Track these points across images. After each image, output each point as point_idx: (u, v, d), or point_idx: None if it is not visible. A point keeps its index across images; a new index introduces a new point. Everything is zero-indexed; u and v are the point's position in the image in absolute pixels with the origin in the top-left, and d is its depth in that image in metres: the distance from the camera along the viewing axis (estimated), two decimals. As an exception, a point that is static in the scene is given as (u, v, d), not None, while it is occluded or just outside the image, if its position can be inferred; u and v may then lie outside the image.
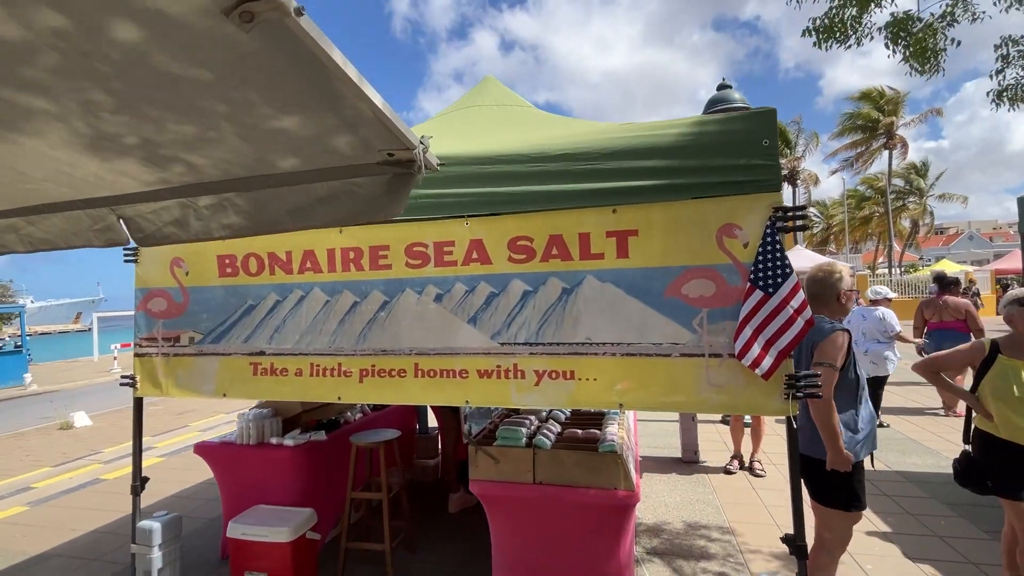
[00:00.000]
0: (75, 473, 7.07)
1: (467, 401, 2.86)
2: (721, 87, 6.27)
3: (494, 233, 2.87)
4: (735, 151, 2.51)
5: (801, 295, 2.40)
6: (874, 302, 6.80)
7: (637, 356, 2.64)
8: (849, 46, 5.07)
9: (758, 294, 2.42)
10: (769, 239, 2.43)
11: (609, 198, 2.67)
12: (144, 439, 9.09)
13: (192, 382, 3.36)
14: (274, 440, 4.12)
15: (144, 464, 7.77)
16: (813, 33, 5.10)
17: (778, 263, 2.41)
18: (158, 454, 7.75)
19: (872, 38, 5.04)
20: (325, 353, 3.13)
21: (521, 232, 2.83)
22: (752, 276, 2.44)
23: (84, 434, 9.28)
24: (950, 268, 24.76)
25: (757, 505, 4.96)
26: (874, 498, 4.97)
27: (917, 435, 6.95)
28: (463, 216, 2.91)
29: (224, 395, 3.28)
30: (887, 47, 5.11)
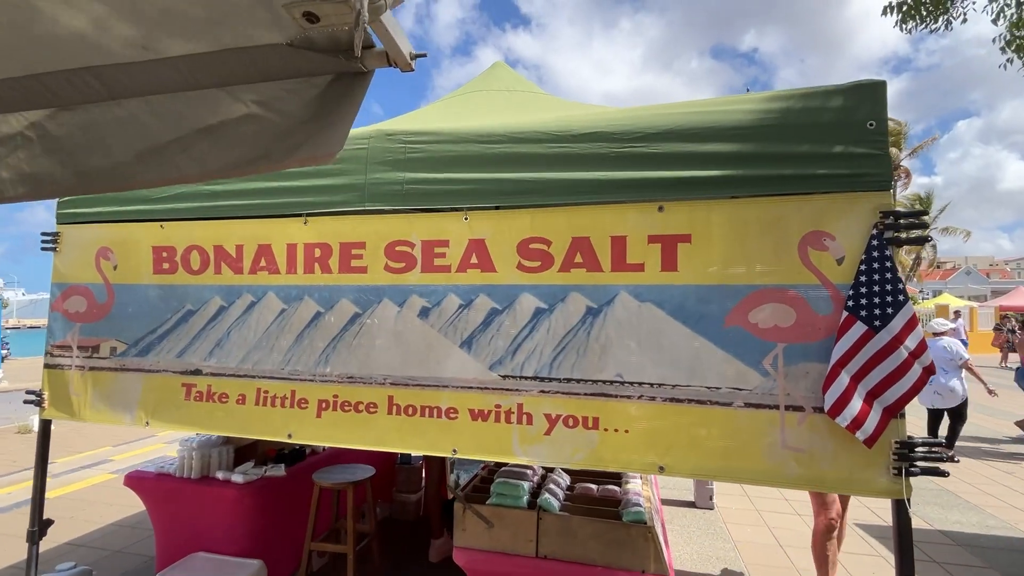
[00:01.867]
0: (13, 489, 6.27)
1: (454, 450, 2.17)
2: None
3: (501, 232, 2.22)
4: (828, 135, 1.87)
5: (919, 332, 1.75)
6: (937, 334, 6.81)
7: (685, 403, 1.97)
8: (936, 28, 4.44)
9: (859, 328, 1.77)
10: (876, 254, 1.79)
11: (654, 191, 2.02)
12: (100, 451, 8.29)
13: (110, 404, 2.66)
14: (220, 474, 3.41)
15: (93, 481, 6.98)
16: (895, 10, 4.42)
17: (888, 287, 1.76)
18: (113, 469, 6.94)
19: (965, 19, 4.42)
20: (276, 376, 2.44)
21: (536, 232, 2.18)
22: (850, 303, 1.79)
23: (35, 442, 8.45)
24: (952, 303, 24.33)
25: (789, 571, 4.25)
26: (924, 566, 4.28)
27: (953, 485, 6.28)
28: (461, 209, 2.26)
29: (147, 423, 2.57)
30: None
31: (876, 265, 1.77)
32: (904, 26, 4.50)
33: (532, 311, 2.16)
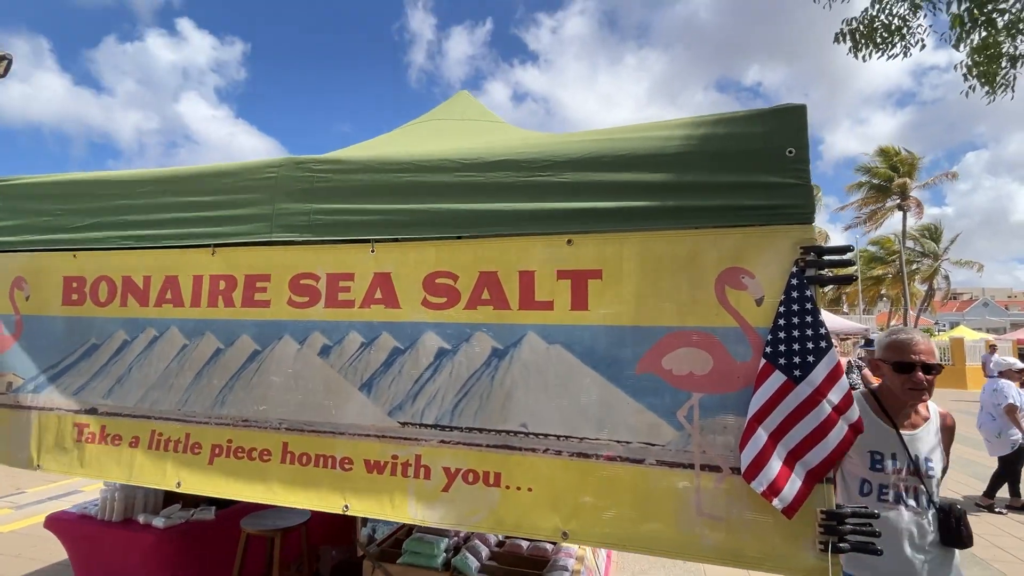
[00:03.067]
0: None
1: (345, 507, 1.96)
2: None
3: (407, 265, 2.06)
4: (745, 163, 1.71)
5: (844, 384, 1.54)
6: (1002, 373, 6.00)
7: (593, 459, 1.76)
8: (894, 55, 4.28)
9: (777, 378, 1.56)
10: (796, 294, 1.59)
11: (563, 223, 1.86)
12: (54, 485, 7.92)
13: (3, 444, 2.49)
14: (141, 518, 3.20)
15: (29, 522, 6.54)
16: (847, 37, 4.29)
17: (808, 332, 1.56)
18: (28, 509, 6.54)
19: (923, 45, 4.28)
20: (172, 418, 2.27)
21: (443, 266, 2.01)
22: (768, 349, 1.59)
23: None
24: (969, 336, 23.58)
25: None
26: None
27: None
28: (368, 240, 2.11)
29: (38, 466, 2.40)
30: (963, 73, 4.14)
31: (796, 307, 1.58)
32: (857, 53, 4.36)
33: (435, 351, 1.98)
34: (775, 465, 1.51)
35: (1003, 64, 3.86)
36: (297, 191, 2.18)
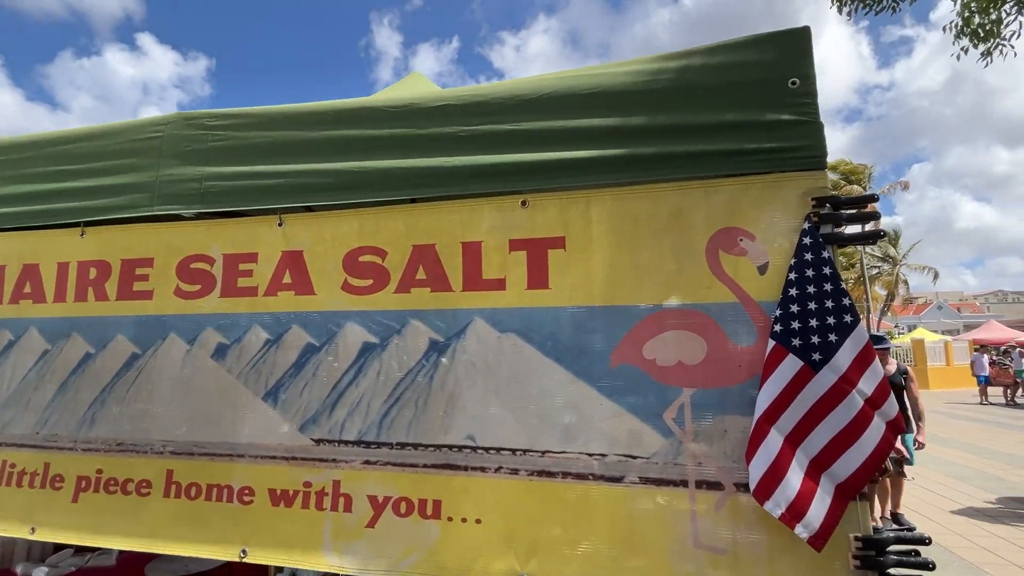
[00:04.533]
0: None
1: (243, 552, 1.50)
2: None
3: (323, 240, 1.64)
4: (738, 99, 1.37)
5: (878, 370, 1.19)
6: None
7: (559, 478, 1.36)
8: (881, 10, 4.09)
9: (792, 364, 1.20)
10: (810, 256, 1.24)
11: (516, 180, 1.48)
12: None
13: None
14: (20, 568, 2.62)
15: None
16: None
17: (828, 304, 1.21)
18: None
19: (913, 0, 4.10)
20: (27, 444, 1.77)
21: (368, 240, 1.61)
22: (778, 328, 1.23)
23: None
24: (929, 337, 24.26)
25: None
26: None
27: (948, 540, 5.63)
28: (274, 211, 1.68)
29: None
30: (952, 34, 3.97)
31: (811, 273, 1.23)
32: (843, 8, 4.19)
33: (359, 348, 1.56)
34: (795, 479, 1.14)
35: (1006, 10, 3.70)
36: (187, 153, 1.74)
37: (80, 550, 2.82)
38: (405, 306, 1.55)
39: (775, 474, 1.14)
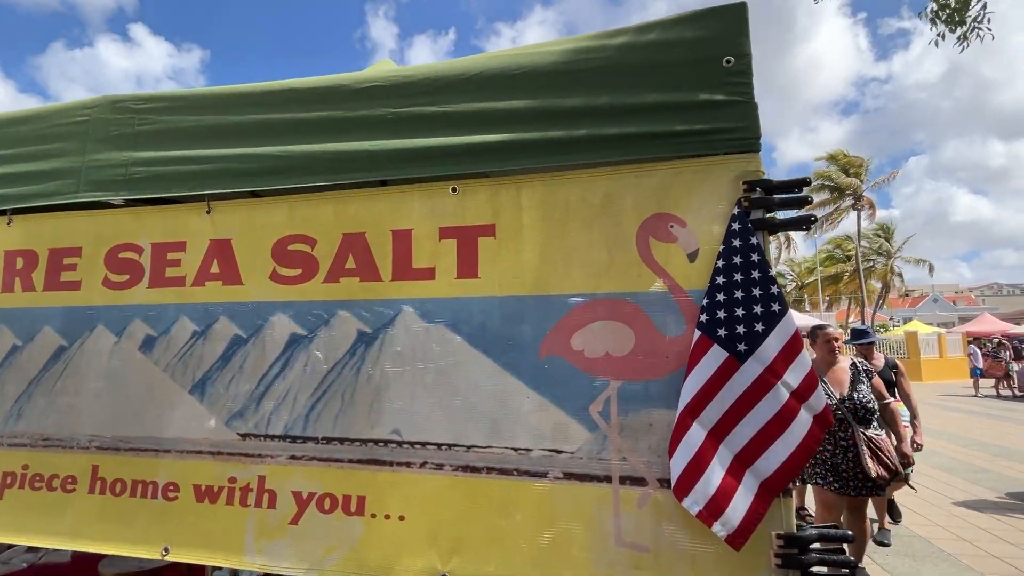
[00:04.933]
0: None
1: (165, 550, 1.46)
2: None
3: (252, 229, 1.58)
4: (673, 79, 1.31)
5: (805, 361, 1.14)
6: None
7: (484, 473, 1.31)
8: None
9: (716, 355, 1.15)
10: (738, 243, 1.19)
11: (445, 165, 1.42)
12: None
13: None
14: (-28, 564, 2.58)
15: None
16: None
17: (755, 292, 1.16)
18: None
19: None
20: (-47, 439, 1.72)
21: (297, 229, 1.55)
22: (704, 317, 1.18)
23: None
24: (922, 329, 24.28)
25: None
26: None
27: (926, 531, 5.63)
28: (203, 198, 1.63)
29: None
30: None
31: (738, 260, 1.18)
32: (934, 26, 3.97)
33: (287, 339, 1.51)
34: (715, 475, 1.10)
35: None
36: (114, 137, 1.68)
37: (33, 547, 2.77)
38: (334, 296, 1.49)
39: (695, 470, 1.09)
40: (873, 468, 2.72)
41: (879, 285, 37.94)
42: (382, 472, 1.37)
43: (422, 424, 1.37)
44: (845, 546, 1.10)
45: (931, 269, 37.39)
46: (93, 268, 1.69)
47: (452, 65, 1.46)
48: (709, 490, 1.08)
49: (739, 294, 1.16)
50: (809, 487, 3.68)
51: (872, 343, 4.40)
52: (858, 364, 3.03)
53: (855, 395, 2.87)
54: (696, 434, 1.12)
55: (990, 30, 3.86)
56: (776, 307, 1.14)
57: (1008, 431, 10.05)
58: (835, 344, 2.99)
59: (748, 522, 1.07)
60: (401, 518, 1.33)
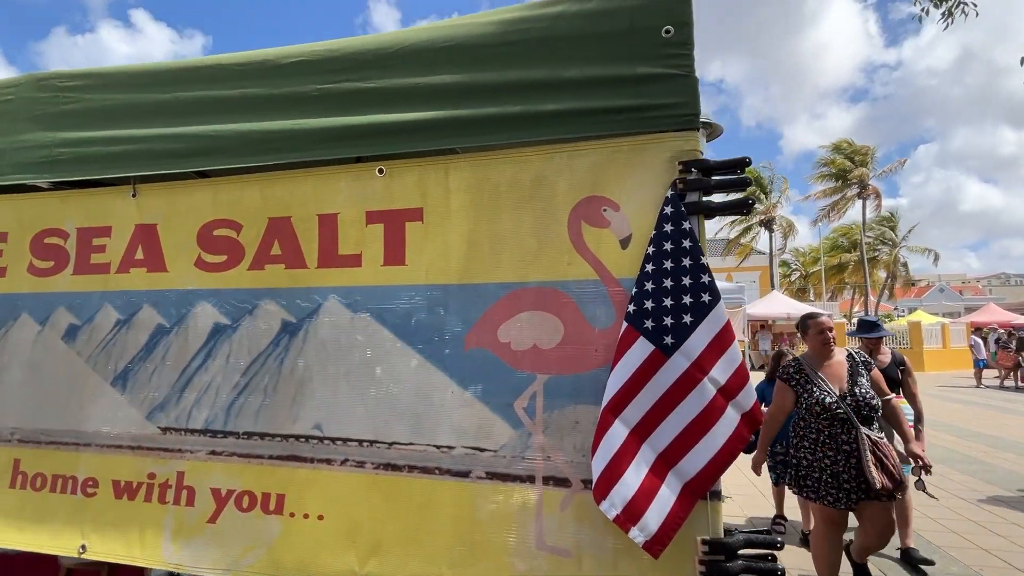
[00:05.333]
0: None
1: (82, 547, 1.40)
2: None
3: (177, 213, 1.51)
4: (607, 52, 1.21)
5: (735, 355, 1.06)
6: None
7: (405, 472, 1.24)
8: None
9: (642, 348, 1.07)
10: (669, 228, 1.10)
11: (373, 144, 1.34)
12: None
13: None
14: (-69, 554, 2.54)
15: None
16: None
17: (685, 281, 1.08)
18: None
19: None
20: None
21: (223, 213, 1.47)
22: (632, 308, 1.10)
23: None
24: (926, 319, 24.06)
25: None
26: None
27: (921, 524, 5.57)
28: (128, 180, 1.55)
29: None
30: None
31: (669, 246, 1.09)
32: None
33: (210, 329, 1.44)
34: (635, 476, 1.02)
35: None
36: (38, 118, 1.59)
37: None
38: (258, 284, 1.42)
39: (614, 471, 1.02)
40: (877, 478, 2.26)
41: (884, 275, 37.59)
42: (302, 469, 1.31)
43: (344, 420, 1.30)
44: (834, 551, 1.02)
45: (936, 258, 36.91)
46: (19, 254, 1.62)
47: (379, 39, 1.37)
48: (628, 492, 1.00)
49: (668, 283, 1.07)
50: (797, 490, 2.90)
51: (882, 337, 3.80)
52: (855, 355, 2.62)
53: (856, 390, 2.44)
54: (617, 433, 1.04)
55: (975, 5, 3.70)
56: (706, 298, 1.06)
57: (1006, 422, 9.95)
58: (829, 335, 2.56)
59: (667, 527, 1.00)
60: (320, 517, 1.27)
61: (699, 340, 1.04)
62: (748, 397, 1.04)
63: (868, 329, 3.78)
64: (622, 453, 1.03)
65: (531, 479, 1.16)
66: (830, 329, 2.58)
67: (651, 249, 1.10)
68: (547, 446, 1.16)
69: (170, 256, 1.50)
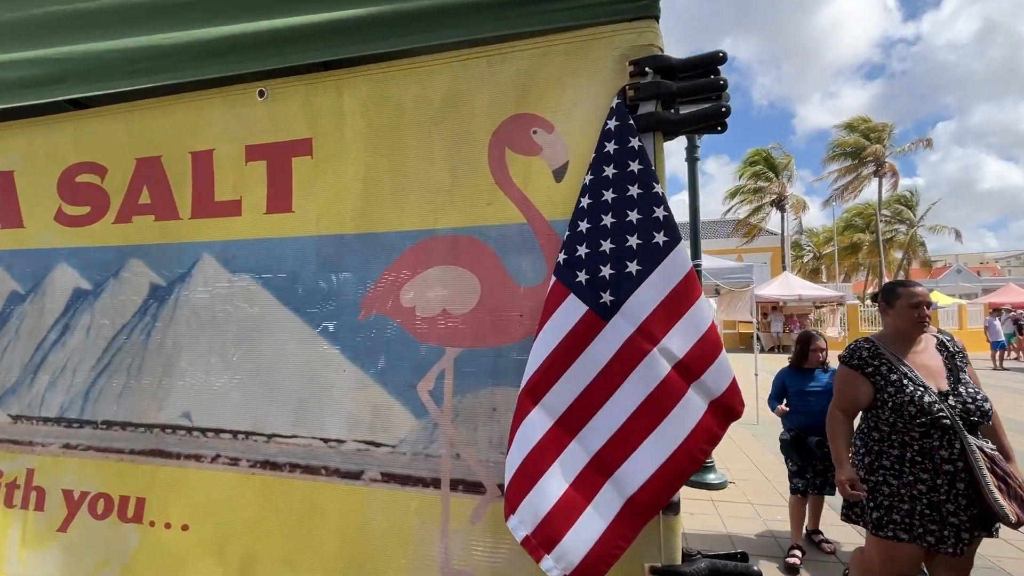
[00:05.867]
0: None
1: (-82, 558, 1.17)
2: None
3: (36, 156, 1.24)
4: None
5: (700, 318, 0.77)
6: None
7: (286, 472, 0.98)
8: None
9: (572, 309, 0.79)
10: (613, 147, 0.81)
11: (251, 58, 1.05)
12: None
13: None
14: None
15: None
16: None
17: (632, 217, 0.78)
18: None
19: None
20: None
21: (84, 155, 1.20)
22: (563, 257, 0.81)
23: None
24: (942, 300, 23.43)
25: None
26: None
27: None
28: None
29: None
30: None
31: (612, 171, 0.80)
32: None
33: (69, 295, 1.18)
34: (555, 485, 0.75)
35: None
36: None
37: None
38: (125, 240, 1.15)
39: (528, 476, 0.75)
40: (1009, 508, 1.55)
41: (900, 255, 36.71)
42: (167, 467, 1.05)
43: (217, 406, 1.04)
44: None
45: (957, 235, 35.85)
46: None
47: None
48: (543, 506, 0.73)
49: (608, 221, 0.79)
50: (833, 497, 2.46)
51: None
52: (946, 342, 1.86)
53: (962, 389, 1.70)
54: (536, 424, 0.77)
55: None
56: (660, 238, 0.77)
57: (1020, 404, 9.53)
58: (926, 312, 1.77)
59: (596, 559, 0.72)
60: (184, 528, 1.01)
61: (648, 296, 0.76)
62: (720, 377, 0.75)
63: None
64: (540, 452, 0.75)
65: (436, 483, 0.89)
66: (927, 304, 1.79)
67: (589, 177, 0.81)
68: (456, 440, 0.88)
69: (27, 209, 1.23)
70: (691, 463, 0.73)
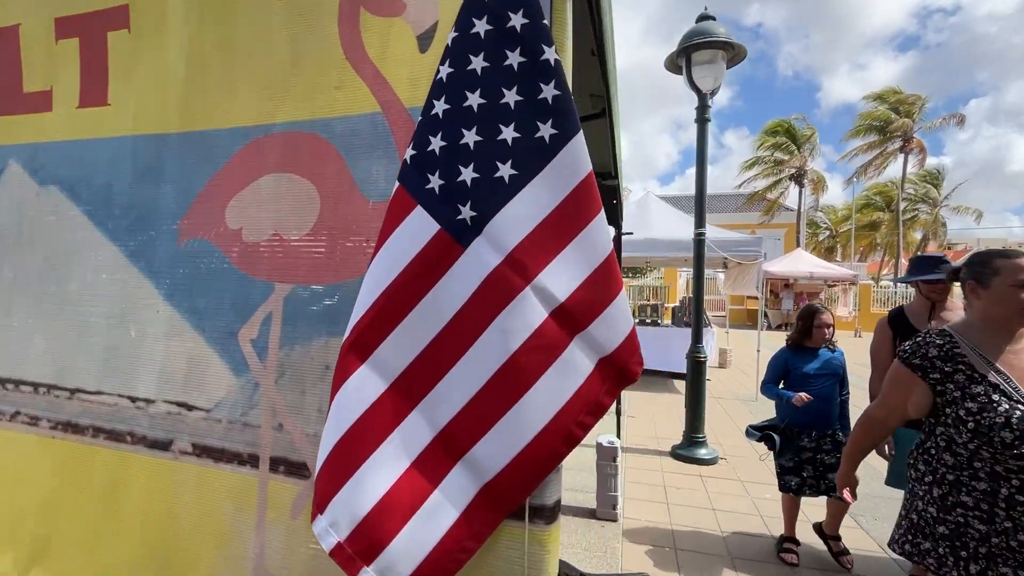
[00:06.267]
0: None
1: None
2: (702, 18, 4.29)
3: None
4: None
5: (598, 246, 0.52)
6: None
7: (88, 437, 0.77)
8: None
9: (420, 227, 0.54)
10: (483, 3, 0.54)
11: None
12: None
13: None
14: None
15: None
16: None
17: (505, 98, 0.53)
18: None
19: None
20: None
21: None
22: (411, 154, 0.56)
23: None
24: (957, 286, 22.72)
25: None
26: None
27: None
28: None
29: None
30: None
31: (484, 27, 0.54)
32: None
33: None
34: (382, 474, 0.52)
35: None
36: None
37: None
38: (-75, 144, 0.92)
39: (343, 462, 0.52)
40: None
41: (920, 236, 35.74)
42: (-40, 425, 0.84)
43: (17, 351, 0.82)
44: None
45: (979, 216, 34.70)
46: None
47: None
48: (364, 502, 0.51)
49: (475, 101, 0.53)
50: (838, 494, 1.65)
51: (954, 282, 1.67)
52: None
53: None
54: (362, 389, 0.54)
55: None
56: (546, 130, 0.51)
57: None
58: None
59: (434, 566, 0.50)
60: (-26, 500, 0.82)
61: (523, 212, 0.51)
62: (613, 328, 0.52)
63: (925, 268, 2.03)
64: (364, 428, 0.53)
65: (253, 460, 0.67)
66: None
67: (453, 35, 0.55)
68: (280, 406, 0.66)
69: None
70: (566, 441, 0.51)
